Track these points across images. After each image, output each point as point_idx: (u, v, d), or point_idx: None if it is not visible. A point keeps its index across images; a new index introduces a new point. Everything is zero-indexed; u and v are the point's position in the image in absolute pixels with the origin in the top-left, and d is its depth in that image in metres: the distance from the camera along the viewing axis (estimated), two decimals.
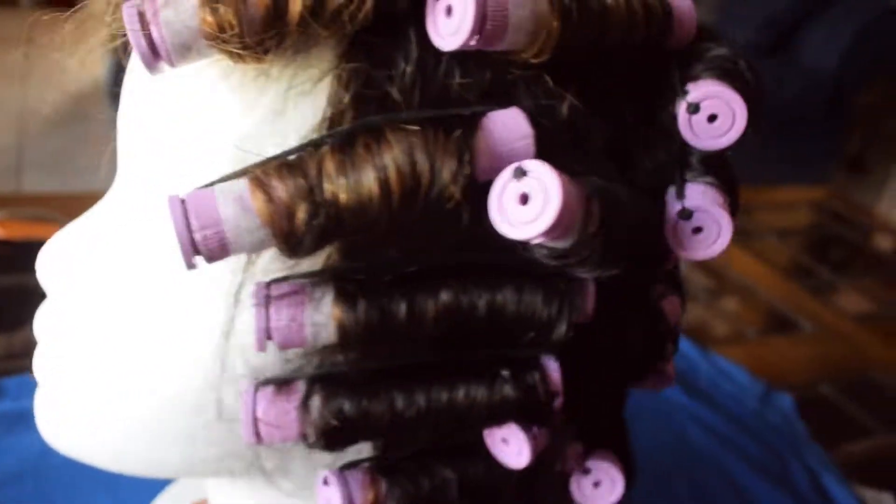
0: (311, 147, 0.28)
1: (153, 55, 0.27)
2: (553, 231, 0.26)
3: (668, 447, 0.69)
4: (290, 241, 0.27)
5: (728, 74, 0.31)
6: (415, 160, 0.27)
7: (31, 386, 0.63)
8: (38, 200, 1.01)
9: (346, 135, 0.28)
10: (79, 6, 0.33)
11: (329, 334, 0.29)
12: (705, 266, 1.11)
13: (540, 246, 0.28)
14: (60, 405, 0.38)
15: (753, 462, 0.73)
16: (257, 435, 0.31)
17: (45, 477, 0.54)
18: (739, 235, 1.16)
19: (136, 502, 0.55)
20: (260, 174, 0.27)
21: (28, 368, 0.65)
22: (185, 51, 0.27)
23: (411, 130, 0.27)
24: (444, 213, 0.28)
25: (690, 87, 0.31)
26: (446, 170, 0.27)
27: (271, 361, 0.32)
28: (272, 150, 0.29)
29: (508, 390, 0.31)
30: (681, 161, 0.32)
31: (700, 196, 0.31)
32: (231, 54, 0.27)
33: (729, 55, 0.32)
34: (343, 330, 0.29)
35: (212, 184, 0.28)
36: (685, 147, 0.32)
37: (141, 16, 0.27)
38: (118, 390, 0.36)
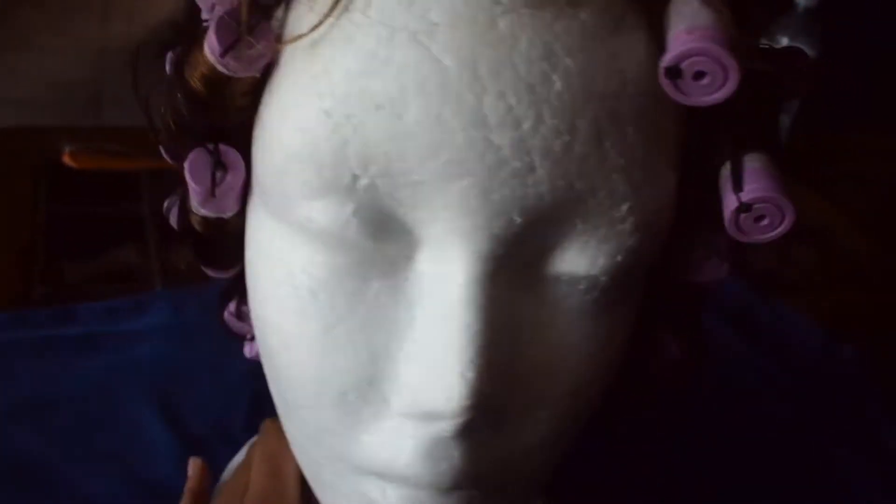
0: None
1: None
2: None
3: (717, 395, 0.69)
4: None
5: None
6: None
7: (100, 311, 0.66)
8: (115, 134, 1.04)
9: None
10: None
11: None
12: None
13: None
14: None
15: (809, 410, 0.72)
16: None
17: (108, 399, 0.56)
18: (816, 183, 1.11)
19: (197, 433, 0.57)
20: None
21: (98, 296, 0.67)
22: None
23: None
24: None
25: None
26: None
27: None
28: None
29: None
30: None
31: None
32: None
33: None
34: None
35: None
36: None
37: None
38: None
